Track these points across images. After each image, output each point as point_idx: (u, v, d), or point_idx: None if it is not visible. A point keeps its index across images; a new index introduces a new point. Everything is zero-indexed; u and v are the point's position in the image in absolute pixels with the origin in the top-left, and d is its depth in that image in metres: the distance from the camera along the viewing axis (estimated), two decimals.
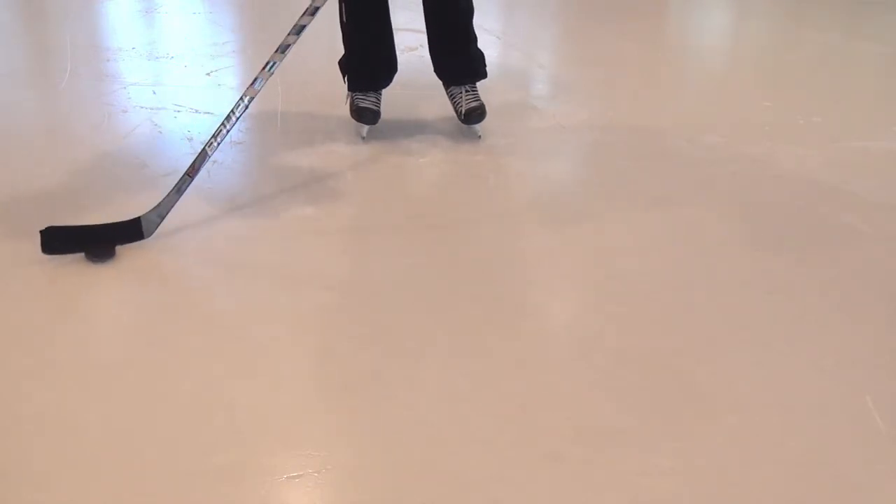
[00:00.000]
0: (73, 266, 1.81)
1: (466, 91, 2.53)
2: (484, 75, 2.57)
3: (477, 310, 1.71)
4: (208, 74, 3.06)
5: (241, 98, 1.94)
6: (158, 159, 2.37)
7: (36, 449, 1.32)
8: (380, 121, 2.51)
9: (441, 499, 1.25)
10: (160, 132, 2.55)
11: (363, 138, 2.52)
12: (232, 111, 1.93)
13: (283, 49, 2.00)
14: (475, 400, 1.45)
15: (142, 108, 2.73)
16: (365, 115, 2.48)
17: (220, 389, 1.46)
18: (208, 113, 2.70)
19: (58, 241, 1.76)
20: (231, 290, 1.75)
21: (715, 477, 1.30)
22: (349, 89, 2.52)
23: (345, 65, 2.51)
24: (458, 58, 2.52)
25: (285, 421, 1.39)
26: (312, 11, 2.03)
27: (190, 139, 2.48)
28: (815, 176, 2.36)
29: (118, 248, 1.81)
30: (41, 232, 1.73)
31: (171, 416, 1.39)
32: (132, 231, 1.83)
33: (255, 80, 1.98)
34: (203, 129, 2.56)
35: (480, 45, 2.56)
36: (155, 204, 1.86)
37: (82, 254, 1.79)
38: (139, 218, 1.83)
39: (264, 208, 2.09)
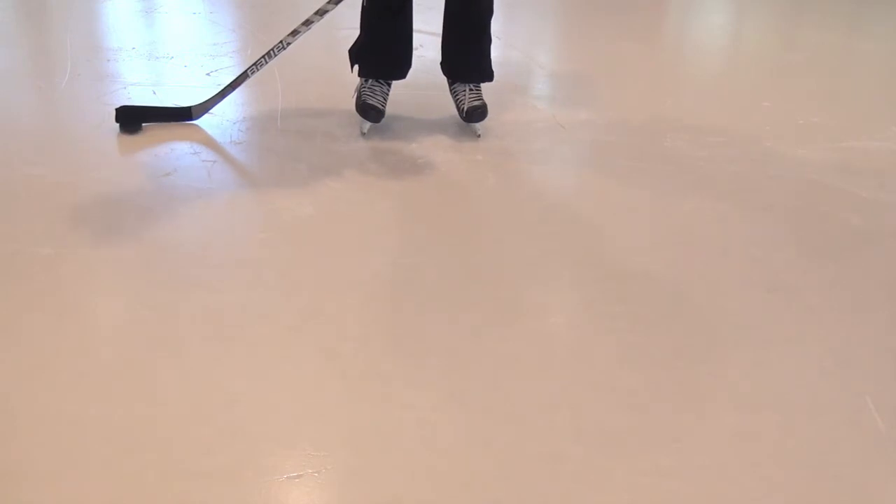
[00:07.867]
0: (71, 261, 1.81)
1: (470, 90, 2.52)
2: (490, 78, 2.57)
3: (477, 309, 1.71)
4: (208, 74, 3.06)
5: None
6: (158, 159, 2.36)
7: (36, 449, 1.32)
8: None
9: (441, 499, 1.25)
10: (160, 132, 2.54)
11: (363, 134, 2.51)
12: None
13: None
14: (475, 400, 1.45)
15: None
16: (370, 113, 2.47)
17: (220, 389, 1.46)
18: (208, 113, 2.69)
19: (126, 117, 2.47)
20: (231, 289, 1.75)
21: (715, 477, 1.30)
22: (360, 75, 2.49)
23: (357, 52, 2.48)
24: (469, 56, 2.52)
25: (285, 421, 1.39)
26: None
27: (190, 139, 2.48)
28: (815, 176, 2.36)
29: None
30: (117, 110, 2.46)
31: (170, 415, 1.39)
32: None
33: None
34: (203, 128, 2.56)
35: None
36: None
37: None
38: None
39: (264, 208, 2.10)
